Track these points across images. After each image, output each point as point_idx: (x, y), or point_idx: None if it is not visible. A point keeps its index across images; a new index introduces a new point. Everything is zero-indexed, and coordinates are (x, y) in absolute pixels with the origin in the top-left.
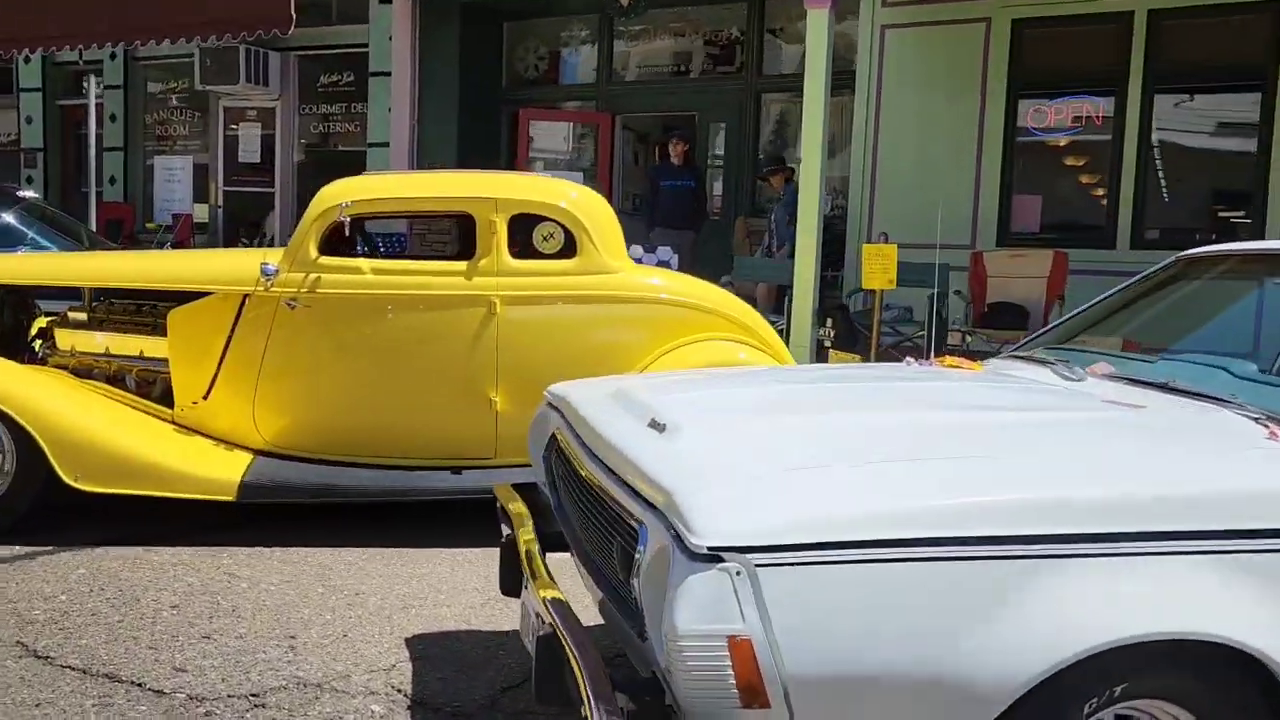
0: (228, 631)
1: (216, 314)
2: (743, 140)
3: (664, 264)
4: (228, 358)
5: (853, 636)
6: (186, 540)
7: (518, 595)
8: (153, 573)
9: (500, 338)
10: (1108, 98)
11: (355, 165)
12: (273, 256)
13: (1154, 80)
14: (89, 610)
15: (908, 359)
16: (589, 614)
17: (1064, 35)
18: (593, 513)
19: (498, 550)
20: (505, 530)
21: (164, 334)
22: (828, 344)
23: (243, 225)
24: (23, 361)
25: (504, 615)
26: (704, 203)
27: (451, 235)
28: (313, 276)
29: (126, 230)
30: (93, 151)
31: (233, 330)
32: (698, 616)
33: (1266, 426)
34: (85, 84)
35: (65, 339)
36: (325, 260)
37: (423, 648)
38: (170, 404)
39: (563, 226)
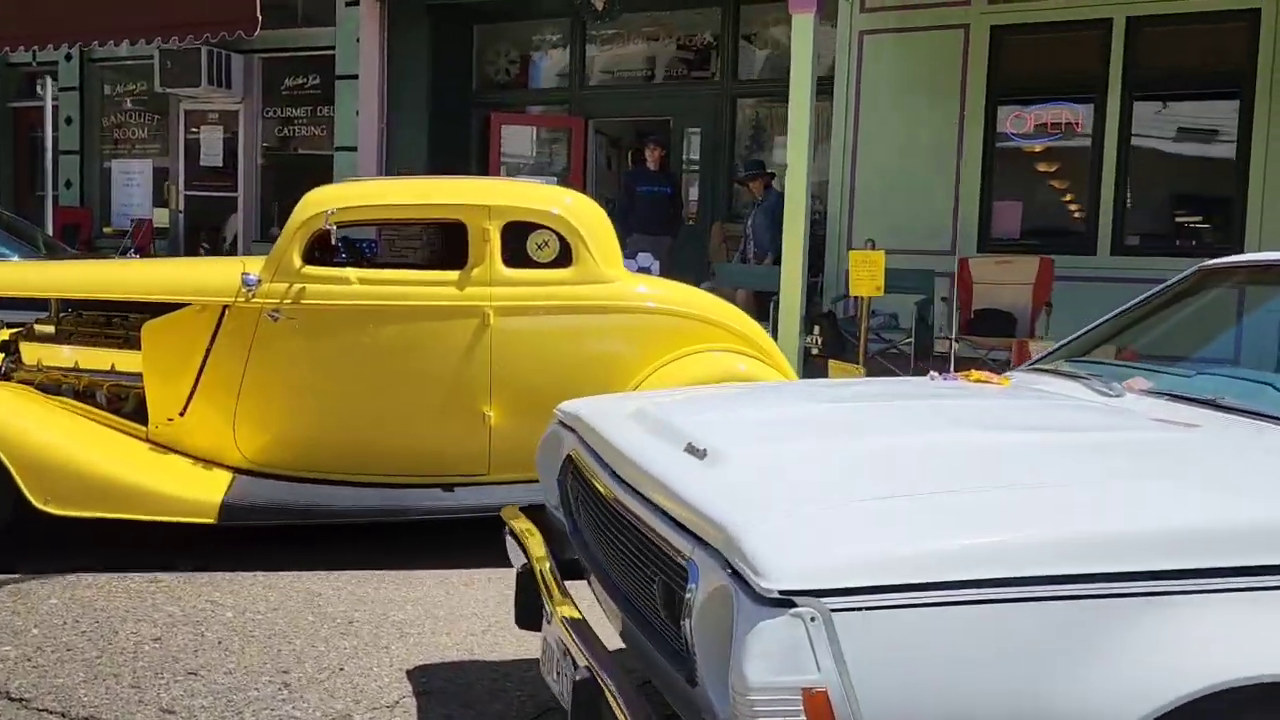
0: (215, 666)
1: (194, 326)
2: (718, 145)
3: (645, 270)
4: (206, 372)
5: (936, 686)
6: (163, 565)
7: (536, 629)
8: (130, 601)
9: (494, 350)
10: (1087, 104)
11: (322, 169)
12: (254, 266)
13: (1133, 87)
14: (64, 645)
15: (931, 373)
16: (615, 642)
17: (1043, 42)
18: (624, 544)
19: (493, 571)
20: (520, 559)
21: (137, 347)
22: (815, 351)
23: (204, 230)
24: None
25: (506, 642)
26: (681, 208)
27: (421, 241)
28: (297, 287)
29: (83, 236)
30: (50, 155)
31: (211, 343)
32: (770, 667)
33: None
34: (40, 86)
35: (31, 352)
36: (310, 270)
37: (425, 680)
38: (144, 421)
39: (558, 234)
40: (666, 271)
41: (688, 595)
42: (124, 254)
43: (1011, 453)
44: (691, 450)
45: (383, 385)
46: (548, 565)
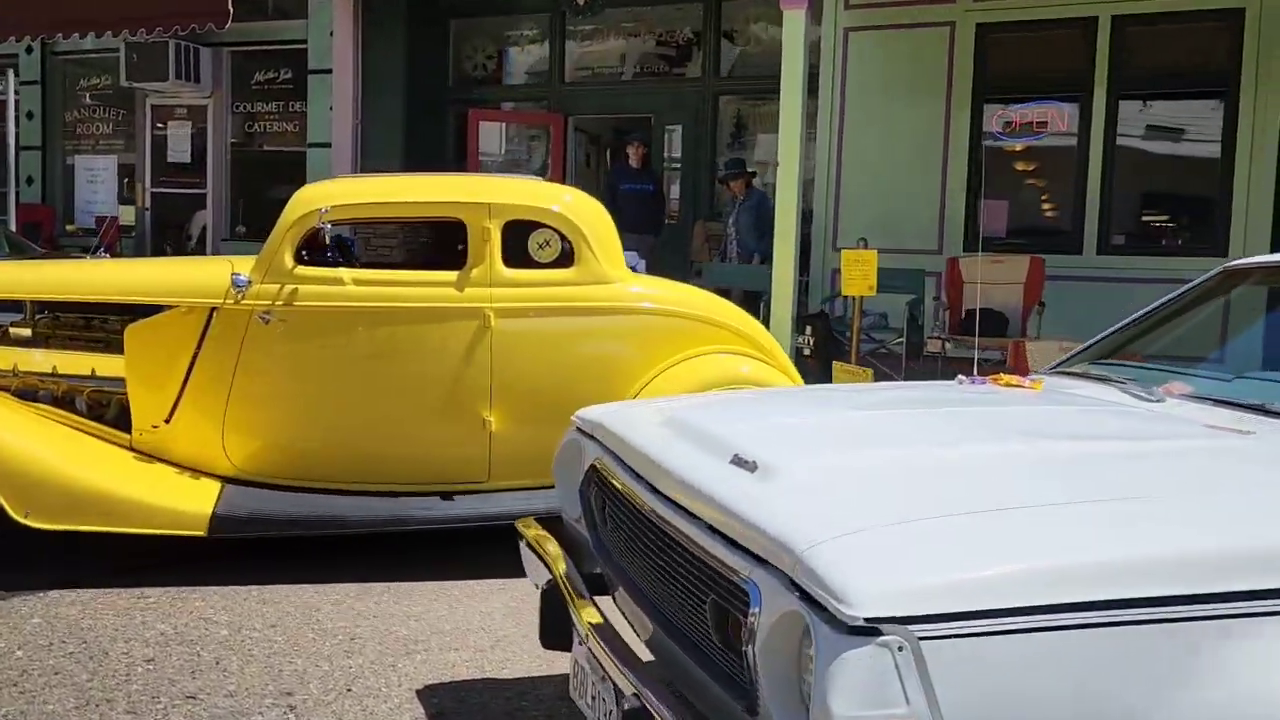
0: (215, 689)
1: (181, 329)
2: (700, 143)
3: (631, 269)
4: (194, 376)
5: (1028, 717)
6: (150, 579)
7: (562, 649)
8: (117, 619)
9: (494, 353)
10: (1073, 103)
11: (294, 166)
12: (243, 266)
13: (1119, 86)
14: (51, 668)
15: (959, 376)
16: (644, 653)
17: (1029, 40)
18: (666, 561)
19: (495, 583)
20: (542, 574)
21: (119, 351)
22: (807, 352)
23: (170, 229)
24: None
25: (517, 659)
26: (663, 206)
27: (397, 240)
28: (289, 288)
29: (45, 233)
30: (11, 151)
31: (199, 346)
32: (857, 701)
33: None
34: (0, 80)
35: (6, 357)
36: (302, 270)
37: (437, 701)
38: (127, 428)
39: (559, 233)
40: (651, 271)
41: (750, 620)
42: (94, 253)
43: (1076, 464)
44: (740, 462)
45: (379, 390)
46: (577, 583)
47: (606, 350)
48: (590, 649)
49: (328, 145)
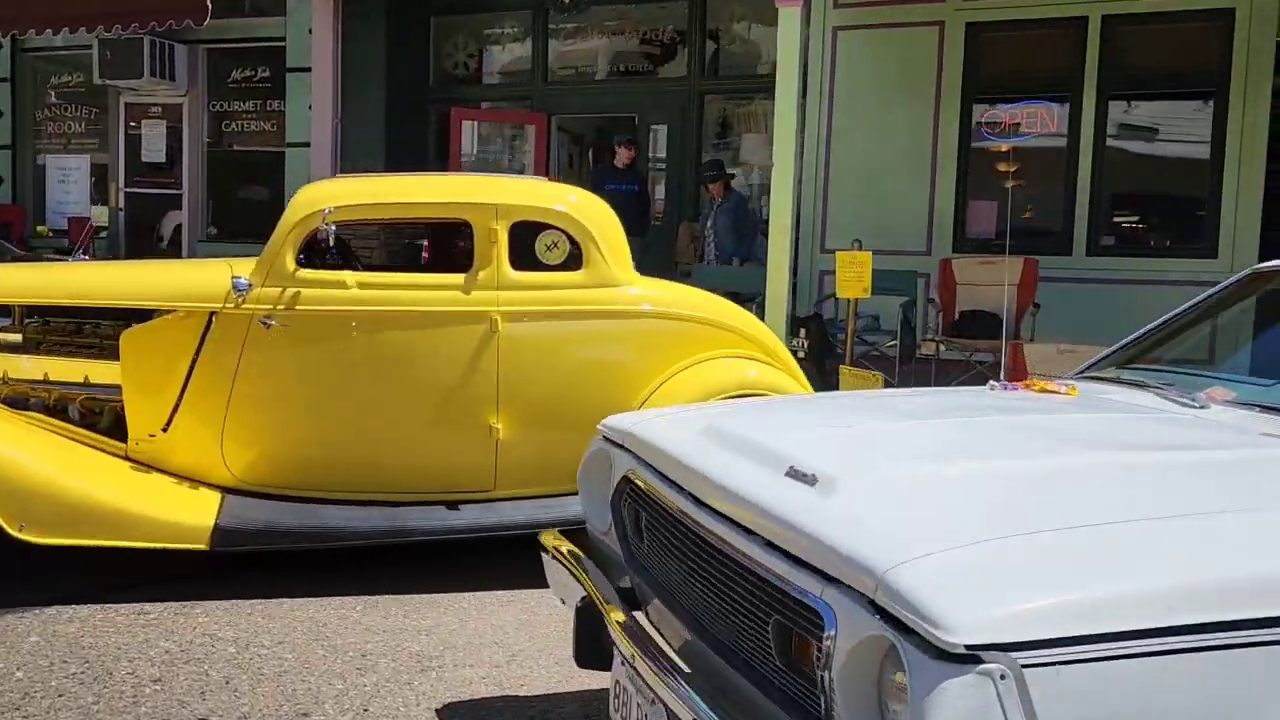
0: (228, 711)
1: (179, 334)
2: (685, 142)
3: None
4: (192, 384)
5: None
6: (148, 593)
7: (599, 668)
8: (119, 637)
9: (501, 358)
10: (1063, 103)
11: (273, 166)
12: (242, 269)
13: (1108, 86)
14: (54, 690)
15: (991, 382)
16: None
17: (1019, 40)
18: (715, 577)
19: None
20: (575, 590)
21: (114, 357)
22: (801, 355)
23: (144, 230)
24: None
25: (534, 675)
26: (649, 207)
27: (379, 240)
28: (291, 292)
29: (16, 235)
30: None
31: (198, 352)
32: None
33: None
34: None
35: None
36: (305, 273)
37: None
38: (122, 437)
39: (567, 235)
40: (638, 272)
41: (825, 643)
42: (73, 257)
43: (1150, 476)
44: (796, 475)
45: (383, 396)
46: (615, 601)
47: (615, 355)
48: (638, 669)
49: (307, 145)
